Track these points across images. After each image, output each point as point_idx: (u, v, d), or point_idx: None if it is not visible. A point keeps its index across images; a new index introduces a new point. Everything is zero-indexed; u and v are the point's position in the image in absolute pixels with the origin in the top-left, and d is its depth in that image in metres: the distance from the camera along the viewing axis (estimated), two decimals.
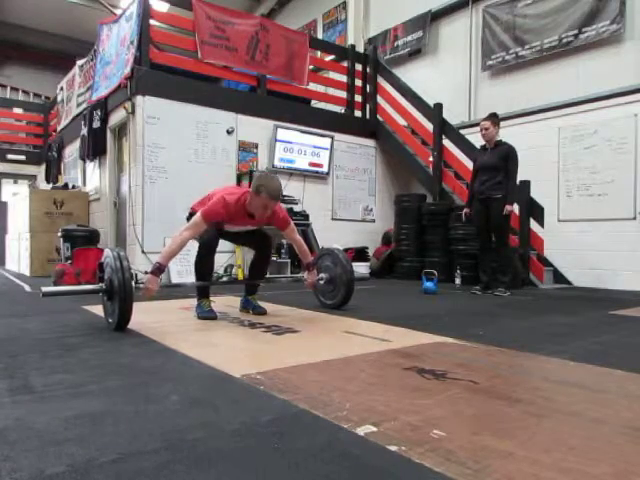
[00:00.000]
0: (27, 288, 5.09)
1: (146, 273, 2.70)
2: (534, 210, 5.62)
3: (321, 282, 3.52)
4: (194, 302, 3.22)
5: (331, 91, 8.29)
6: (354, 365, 1.98)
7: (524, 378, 1.87)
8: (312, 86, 7.45)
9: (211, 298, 3.17)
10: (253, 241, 3.33)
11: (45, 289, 2.64)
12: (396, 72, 7.85)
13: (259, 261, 3.34)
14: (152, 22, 5.86)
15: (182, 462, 1.09)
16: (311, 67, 7.44)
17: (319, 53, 8.39)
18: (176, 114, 5.77)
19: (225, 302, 3.82)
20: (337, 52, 8.46)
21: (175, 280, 5.57)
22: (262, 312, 3.23)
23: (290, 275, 6.27)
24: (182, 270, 5.65)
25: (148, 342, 2.38)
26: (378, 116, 7.82)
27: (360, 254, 6.96)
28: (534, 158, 6.26)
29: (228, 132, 6.19)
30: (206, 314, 3.02)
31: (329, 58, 8.61)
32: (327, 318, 3.21)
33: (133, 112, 5.61)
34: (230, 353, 2.21)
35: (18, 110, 10.96)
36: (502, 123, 5.15)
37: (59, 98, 9.27)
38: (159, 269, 2.76)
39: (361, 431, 1.27)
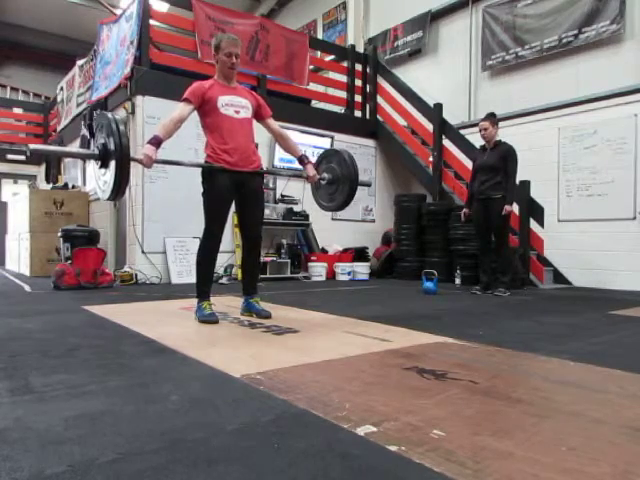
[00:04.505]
0: (27, 288, 5.09)
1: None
2: (534, 210, 5.62)
3: (322, 182, 3.34)
4: (195, 302, 3.20)
5: (331, 91, 8.29)
6: (354, 365, 1.98)
7: (524, 378, 1.86)
8: (312, 86, 7.45)
9: (211, 299, 3.13)
10: (249, 218, 3.12)
11: (33, 146, 2.53)
12: (396, 72, 7.85)
13: (249, 258, 3.21)
14: (152, 22, 5.86)
15: (182, 462, 1.09)
16: (311, 67, 7.44)
17: (319, 53, 8.39)
18: None
19: (225, 302, 3.82)
20: (337, 52, 8.46)
21: (175, 281, 5.57)
22: (267, 316, 3.11)
23: (290, 275, 6.27)
24: (182, 270, 5.65)
25: (148, 342, 2.38)
26: (378, 116, 7.82)
27: (360, 254, 6.96)
28: (534, 158, 6.27)
29: None
30: (207, 317, 2.95)
31: (329, 58, 8.61)
32: (327, 318, 3.21)
33: (133, 112, 5.61)
34: (230, 353, 2.21)
35: (18, 110, 10.95)
36: (502, 123, 5.14)
37: (59, 98, 9.27)
38: (156, 139, 2.79)
39: (361, 431, 1.27)
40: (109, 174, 2.59)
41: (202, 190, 3.02)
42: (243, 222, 3.19)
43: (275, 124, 3.24)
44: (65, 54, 11.95)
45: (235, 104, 3.01)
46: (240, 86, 3.17)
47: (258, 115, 3.16)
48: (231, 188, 2.99)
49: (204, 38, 6.08)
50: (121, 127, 2.57)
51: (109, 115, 2.63)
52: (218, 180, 2.95)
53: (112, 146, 2.53)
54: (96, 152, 2.64)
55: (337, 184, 3.33)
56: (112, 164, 2.55)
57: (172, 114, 2.90)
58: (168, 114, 2.94)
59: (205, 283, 3.09)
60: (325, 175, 3.34)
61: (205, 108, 2.97)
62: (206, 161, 3.01)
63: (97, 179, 2.82)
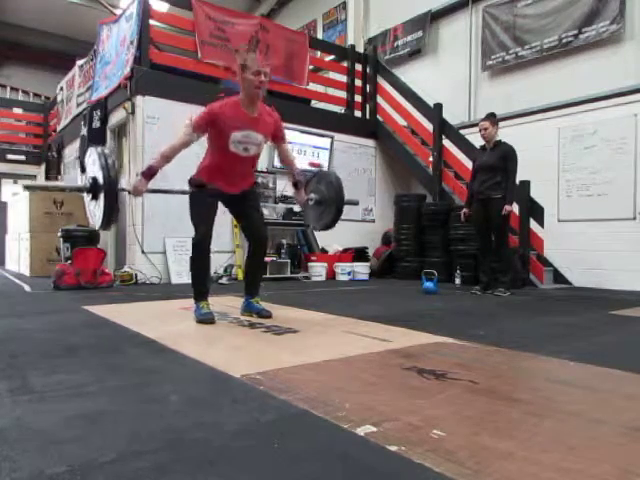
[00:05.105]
0: (27, 288, 5.09)
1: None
2: (534, 210, 5.62)
3: (310, 202, 3.44)
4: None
5: (331, 91, 8.29)
6: (354, 365, 1.98)
7: (524, 378, 1.87)
8: (312, 86, 7.45)
9: (210, 298, 3.10)
10: (252, 222, 3.15)
11: (27, 184, 2.71)
12: (396, 72, 7.86)
13: (254, 259, 3.21)
14: (152, 22, 5.86)
15: (182, 462, 1.09)
16: (311, 67, 7.45)
17: (319, 53, 8.39)
18: (176, 114, 5.75)
19: (225, 302, 3.82)
20: (337, 52, 8.46)
21: (175, 281, 5.57)
22: (267, 316, 3.11)
23: (290, 275, 6.27)
24: (181, 270, 5.65)
25: (148, 342, 2.38)
26: (378, 116, 7.82)
27: (360, 254, 6.96)
28: (534, 158, 6.25)
29: None
30: (204, 317, 2.95)
31: (329, 58, 8.62)
32: (327, 318, 3.21)
33: (133, 112, 5.60)
34: (230, 353, 2.21)
35: (18, 110, 10.96)
36: (502, 123, 5.14)
37: (59, 98, 9.27)
38: (150, 170, 2.80)
39: (361, 431, 1.27)
40: (99, 207, 2.74)
41: (189, 201, 3.03)
42: (247, 228, 3.21)
43: (286, 149, 3.22)
44: (65, 54, 11.93)
45: (248, 141, 2.90)
46: (264, 111, 2.97)
47: (274, 138, 3.11)
48: (218, 198, 3.03)
49: (204, 38, 6.09)
50: (109, 161, 2.69)
51: (98, 150, 2.77)
52: (205, 193, 2.97)
53: (101, 180, 2.67)
54: (87, 185, 2.79)
55: (324, 205, 3.45)
56: (102, 196, 2.70)
57: (174, 142, 2.84)
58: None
59: (201, 283, 3.08)
60: (312, 196, 3.45)
61: (215, 132, 2.86)
62: (196, 178, 3.01)
63: (88, 206, 2.94)
